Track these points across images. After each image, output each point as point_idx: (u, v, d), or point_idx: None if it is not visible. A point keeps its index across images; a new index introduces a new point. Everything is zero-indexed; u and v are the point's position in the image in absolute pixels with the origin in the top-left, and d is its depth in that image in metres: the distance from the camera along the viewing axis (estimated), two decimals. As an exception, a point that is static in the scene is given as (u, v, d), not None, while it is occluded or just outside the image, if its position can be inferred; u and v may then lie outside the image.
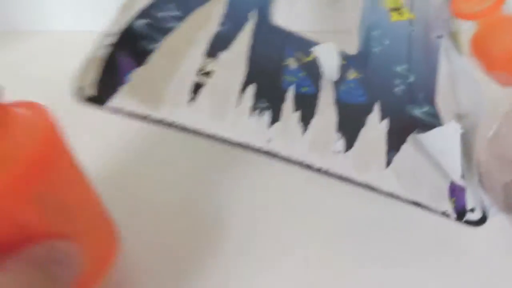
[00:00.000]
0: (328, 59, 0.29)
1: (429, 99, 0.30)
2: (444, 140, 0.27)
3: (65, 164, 0.20)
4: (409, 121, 0.29)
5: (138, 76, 0.24)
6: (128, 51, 0.24)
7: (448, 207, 0.26)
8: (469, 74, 0.30)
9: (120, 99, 0.22)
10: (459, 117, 0.29)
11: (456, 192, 0.27)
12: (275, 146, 0.24)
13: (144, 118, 0.23)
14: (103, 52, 0.24)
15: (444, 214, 0.26)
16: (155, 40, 0.25)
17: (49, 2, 0.50)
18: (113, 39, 0.24)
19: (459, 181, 0.27)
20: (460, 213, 0.26)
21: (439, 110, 0.30)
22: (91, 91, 0.22)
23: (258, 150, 0.24)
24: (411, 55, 0.32)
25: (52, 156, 0.19)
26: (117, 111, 0.22)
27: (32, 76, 0.41)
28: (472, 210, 0.26)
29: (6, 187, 0.16)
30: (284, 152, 0.24)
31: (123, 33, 0.25)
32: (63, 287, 0.18)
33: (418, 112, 0.29)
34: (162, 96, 0.24)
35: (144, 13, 0.26)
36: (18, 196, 0.17)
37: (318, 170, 0.24)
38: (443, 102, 0.30)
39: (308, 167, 0.24)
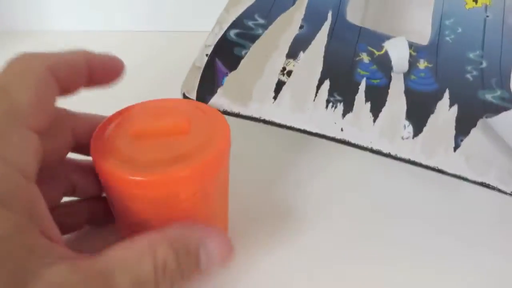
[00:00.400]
0: (399, 52, 0.31)
1: (503, 83, 0.31)
2: None
3: (226, 163, 0.24)
4: (480, 106, 0.30)
5: (231, 79, 0.29)
6: (223, 58, 0.29)
7: None
8: None
9: (216, 99, 0.28)
10: None
11: None
12: (348, 135, 0.27)
13: (236, 114, 0.28)
14: (203, 61, 0.29)
15: None
16: (245, 47, 0.30)
17: (49, 2, 0.50)
18: (211, 49, 0.30)
19: None
20: None
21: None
22: (192, 95, 0.28)
23: (333, 139, 0.28)
24: (485, 41, 0.33)
25: (226, 154, 0.23)
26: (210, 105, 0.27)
27: None
28: None
29: (198, 172, 0.21)
30: (355, 139, 0.27)
31: (219, 43, 0.30)
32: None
33: (490, 96, 0.30)
34: (251, 95, 0.28)
35: (235, 23, 0.31)
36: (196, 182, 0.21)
37: (388, 155, 0.27)
38: None
39: (378, 152, 0.27)
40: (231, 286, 0.24)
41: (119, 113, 0.24)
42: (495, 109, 0.30)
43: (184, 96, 0.28)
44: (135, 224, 0.22)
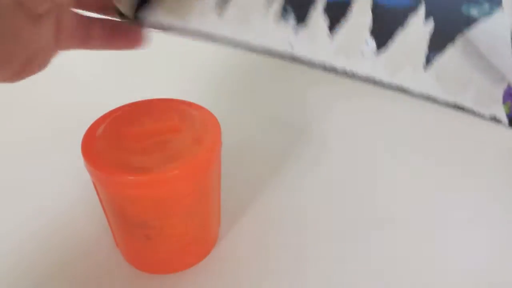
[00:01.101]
0: None
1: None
2: (495, 35, 0.26)
3: (218, 160, 0.24)
4: (463, 21, 0.27)
5: None
6: None
7: (499, 111, 0.26)
8: None
9: (148, 11, 0.23)
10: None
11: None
12: (299, 50, 0.24)
13: (173, 28, 0.24)
14: None
15: (494, 118, 0.26)
16: None
17: None
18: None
19: None
20: None
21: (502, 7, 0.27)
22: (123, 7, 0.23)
23: (281, 55, 0.24)
24: None
25: (217, 152, 0.23)
26: (147, 24, 0.23)
27: (32, 76, 0.45)
28: None
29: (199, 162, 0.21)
30: (308, 55, 0.24)
31: None
32: None
33: (476, 11, 0.27)
34: (190, 6, 0.24)
35: None
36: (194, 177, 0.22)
37: (343, 72, 0.24)
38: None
39: (332, 70, 0.24)
40: (229, 282, 0.25)
41: (110, 114, 0.24)
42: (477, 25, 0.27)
43: (117, 12, 0.24)
44: (134, 226, 0.22)
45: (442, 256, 0.26)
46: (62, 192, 0.31)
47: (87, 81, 0.45)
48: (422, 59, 0.25)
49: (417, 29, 0.26)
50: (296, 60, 0.24)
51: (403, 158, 0.33)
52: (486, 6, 0.27)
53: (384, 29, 0.26)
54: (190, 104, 0.25)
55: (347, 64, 0.24)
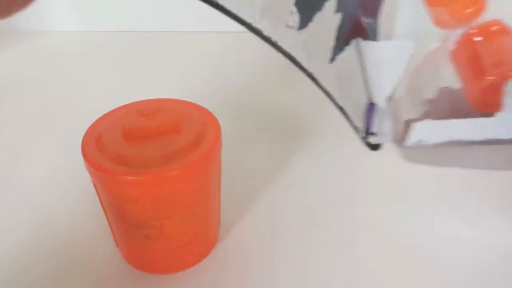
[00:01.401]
0: None
1: (375, 12, 0.28)
2: (391, 55, 0.25)
3: (218, 158, 0.24)
4: (359, 25, 0.27)
5: None
6: None
7: (361, 123, 0.26)
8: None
9: None
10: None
11: (370, 111, 0.26)
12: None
13: None
14: None
15: (356, 129, 0.26)
16: None
17: (49, 2, 0.50)
18: None
19: (380, 102, 0.26)
20: (367, 133, 0.26)
21: (378, 27, 0.27)
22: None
23: (209, 1, 0.21)
24: None
25: (217, 151, 0.23)
26: None
27: (32, 75, 0.43)
28: (373, 133, 0.27)
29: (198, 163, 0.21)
30: (233, 9, 0.21)
31: None
32: None
33: (364, 21, 0.27)
34: None
35: None
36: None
37: (268, 40, 0.22)
38: (383, 20, 0.28)
39: (258, 33, 0.22)
40: (228, 279, 0.25)
41: (110, 114, 0.24)
42: (366, 37, 0.26)
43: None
44: (134, 226, 0.22)
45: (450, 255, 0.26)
46: (62, 192, 0.30)
47: (87, 81, 0.45)
48: (330, 51, 0.24)
49: (329, 18, 0.25)
50: (225, 12, 0.22)
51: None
52: (370, 19, 0.27)
53: (306, 3, 0.24)
54: (190, 104, 0.25)
55: (272, 34, 0.22)
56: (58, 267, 0.25)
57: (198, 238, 0.24)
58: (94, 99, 0.28)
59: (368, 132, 0.27)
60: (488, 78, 0.26)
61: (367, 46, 0.26)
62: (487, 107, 0.27)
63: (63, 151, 0.33)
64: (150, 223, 0.22)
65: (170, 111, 0.24)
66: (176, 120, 0.23)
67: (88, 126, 0.23)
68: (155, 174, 0.20)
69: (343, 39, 0.25)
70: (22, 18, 0.50)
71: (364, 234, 0.28)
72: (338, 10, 0.25)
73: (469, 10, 0.29)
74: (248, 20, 0.22)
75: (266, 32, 0.22)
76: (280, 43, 0.22)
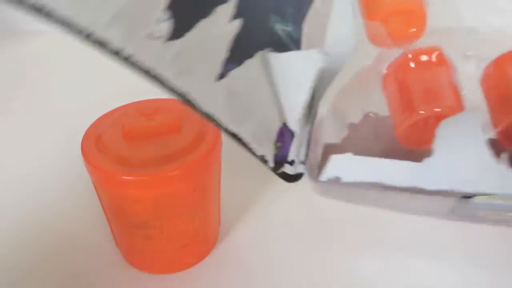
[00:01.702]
0: None
1: (298, 18, 0.25)
2: (297, 68, 0.22)
3: (219, 158, 0.24)
4: (266, 33, 0.23)
5: None
6: None
7: (269, 152, 0.22)
8: (348, 10, 0.25)
9: None
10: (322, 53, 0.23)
11: (284, 137, 0.23)
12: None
13: None
14: None
15: (262, 159, 0.22)
16: None
17: None
18: None
19: (293, 125, 0.23)
20: (278, 163, 0.23)
21: (302, 36, 0.24)
22: None
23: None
24: None
25: (218, 151, 0.23)
26: None
27: (32, 75, 0.43)
28: (291, 162, 0.23)
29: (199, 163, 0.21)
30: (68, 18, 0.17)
31: None
32: None
33: (280, 28, 0.23)
34: None
35: None
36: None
37: (116, 53, 0.16)
38: (310, 28, 0.25)
39: (102, 44, 0.16)
40: (226, 278, 0.25)
41: (110, 114, 0.24)
42: (279, 45, 0.23)
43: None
44: (134, 226, 0.22)
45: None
46: (62, 192, 0.31)
47: (87, 81, 0.45)
48: (218, 68, 0.20)
49: (221, 25, 0.20)
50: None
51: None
52: (290, 26, 0.24)
53: (185, 8, 0.19)
54: None
55: (125, 46, 0.16)
56: (58, 267, 0.25)
57: (198, 238, 0.24)
58: (94, 99, 0.28)
59: (285, 161, 0.23)
60: (418, 113, 0.24)
61: (275, 59, 0.22)
62: (414, 142, 0.25)
63: (63, 151, 0.33)
64: (150, 223, 0.22)
65: (170, 111, 0.24)
66: (176, 120, 0.23)
67: (88, 126, 0.23)
68: (155, 174, 0.20)
69: (242, 51, 0.21)
70: (22, 18, 0.51)
71: (364, 234, 0.28)
72: (237, 16, 0.21)
73: (412, 30, 0.26)
74: (88, 28, 0.17)
75: (115, 44, 0.16)
76: (138, 57, 0.17)
